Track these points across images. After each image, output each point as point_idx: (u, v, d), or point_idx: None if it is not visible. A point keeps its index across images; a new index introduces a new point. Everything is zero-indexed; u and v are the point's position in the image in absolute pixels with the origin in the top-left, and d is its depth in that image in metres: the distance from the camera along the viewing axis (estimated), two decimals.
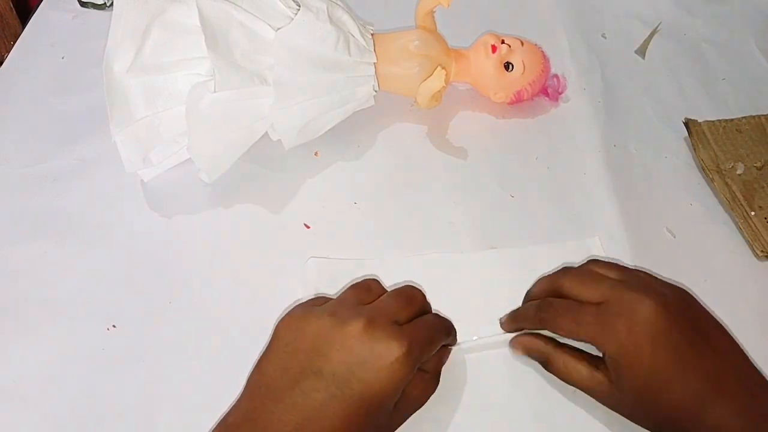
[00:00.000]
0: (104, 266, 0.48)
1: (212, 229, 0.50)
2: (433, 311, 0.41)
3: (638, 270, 0.41)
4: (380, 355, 0.35)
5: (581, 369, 0.39)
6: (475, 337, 0.44)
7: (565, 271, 0.42)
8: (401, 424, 0.39)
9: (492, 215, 0.51)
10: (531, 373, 0.43)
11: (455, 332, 0.42)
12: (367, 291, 0.39)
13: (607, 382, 0.38)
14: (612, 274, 0.40)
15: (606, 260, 0.42)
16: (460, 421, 0.41)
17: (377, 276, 0.43)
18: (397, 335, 0.35)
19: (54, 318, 0.45)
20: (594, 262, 0.42)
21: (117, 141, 0.49)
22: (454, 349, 0.43)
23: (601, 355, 0.38)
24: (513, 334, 0.43)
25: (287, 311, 0.38)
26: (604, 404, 0.39)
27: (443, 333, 0.40)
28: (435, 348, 0.39)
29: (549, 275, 0.43)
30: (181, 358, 0.43)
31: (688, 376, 0.36)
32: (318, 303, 0.39)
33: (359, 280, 0.41)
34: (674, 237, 0.51)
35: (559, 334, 0.40)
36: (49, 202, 0.51)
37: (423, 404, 0.40)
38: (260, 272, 0.47)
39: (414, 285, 0.41)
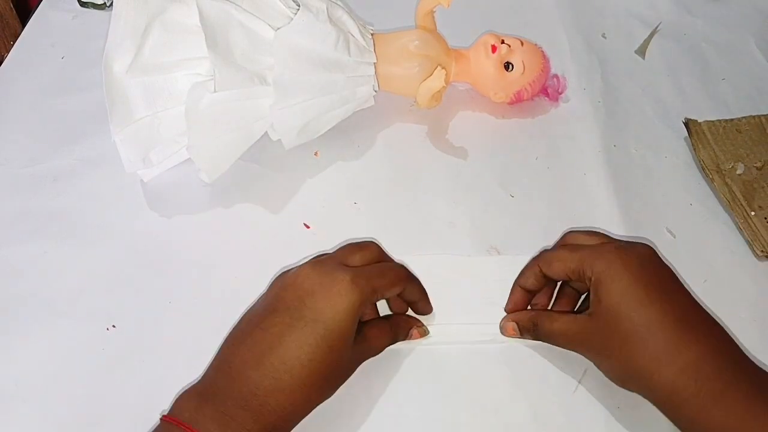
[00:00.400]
0: (104, 266, 0.48)
1: (212, 229, 0.50)
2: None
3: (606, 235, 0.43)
4: (327, 284, 0.38)
5: (565, 318, 0.41)
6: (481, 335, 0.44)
7: (541, 255, 0.43)
8: (356, 366, 0.40)
9: (492, 215, 0.51)
10: (531, 373, 0.43)
11: (425, 294, 0.44)
12: (357, 250, 0.42)
13: (588, 321, 0.39)
14: (586, 240, 0.42)
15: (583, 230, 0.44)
16: (460, 421, 0.41)
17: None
18: (343, 268, 0.39)
19: (54, 318, 0.45)
20: (565, 237, 0.44)
21: (117, 141, 0.49)
22: (454, 346, 0.43)
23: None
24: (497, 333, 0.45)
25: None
26: (585, 354, 0.41)
27: (401, 274, 0.42)
28: (390, 285, 0.41)
29: (527, 265, 0.44)
30: (181, 358, 0.43)
31: (661, 316, 0.37)
32: None
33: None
34: (674, 237, 0.51)
35: (552, 273, 0.42)
36: (49, 202, 0.51)
37: (377, 353, 0.42)
38: (260, 272, 0.47)
39: (375, 240, 0.44)
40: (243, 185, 0.52)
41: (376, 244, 0.43)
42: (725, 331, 0.38)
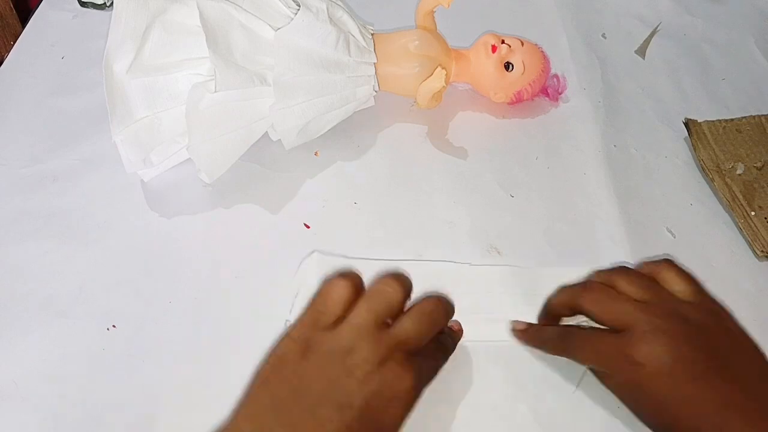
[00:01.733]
0: (104, 266, 0.48)
1: (212, 229, 0.50)
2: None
3: (665, 290, 0.40)
4: (393, 387, 0.35)
5: (598, 338, 0.39)
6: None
7: (587, 287, 0.41)
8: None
9: (492, 215, 0.51)
10: (531, 373, 0.43)
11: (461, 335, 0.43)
12: (385, 304, 0.37)
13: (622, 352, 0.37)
14: (636, 293, 0.39)
15: (635, 268, 0.41)
16: (460, 421, 0.41)
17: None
18: (412, 368, 0.36)
19: (54, 318, 0.45)
20: (620, 272, 0.41)
21: (117, 141, 0.49)
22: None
23: None
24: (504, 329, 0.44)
25: (291, 327, 0.37)
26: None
27: (452, 349, 0.41)
28: (441, 366, 0.40)
29: (571, 287, 0.42)
30: (181, 358, 0.43)
31: (698, 409, 0.35)
32: (326, 322, 0.37)
33: (375, 283, 0.38)
34: (674, 237, 0.51)
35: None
36: (49, 202, 0.51)
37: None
38: (260, 272, 0.47)
39: (438, 296, 0.39)
40: (243, 185, 0.52)
41: (443, 310, 0.39)
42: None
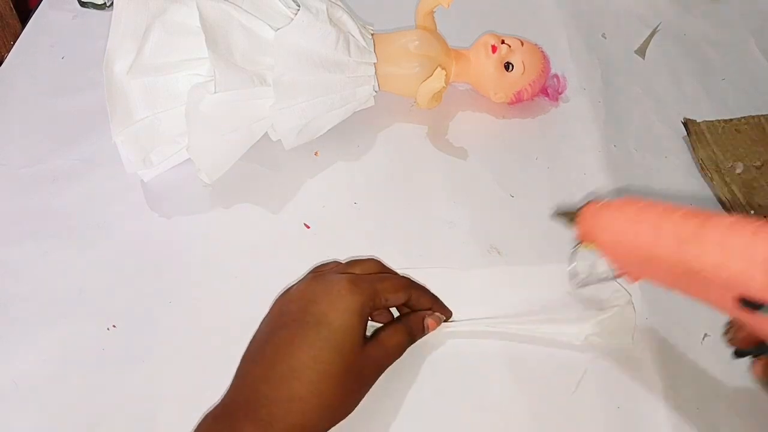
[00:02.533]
0: (104, 266, 0.48)
1: (212, 229, 0.50)
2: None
3: None
4: (327, 289, 0.38)
5: None
6: (463, 319, 0.44)
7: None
8: (379, 374, 0.40)
9: (492, 215, 0.51)
10: (531, 373, 0.43)
11: (428, 291, 0.44)
12: (356, 264, 0.43)
13: None
14: None
15: None
16: (461, 421, 0.41)
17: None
18: (343, 274, 0.40)
19: (54, 318, 0.45)
20: None
21: (117, 142, 0.49)
22: (452, 331, 0.44)
23: None
24: (506, 323, 0.44)
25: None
26: None
27: (399, 279, 0.42)
28: (390, 286, 0.40)
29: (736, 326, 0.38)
30: (181, 358, 0.43)
31: None
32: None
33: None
34: None
35: None
36: (49, 202, 0.51)
37: (397, 357, 0.41)
38: (260, 272, 0.47)
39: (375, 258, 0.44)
40: (243, 185, 0.52)
41: (376, 259, 0.44)
42: None
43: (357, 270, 0.42)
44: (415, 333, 0.42)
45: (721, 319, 0.44)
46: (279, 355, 0.36)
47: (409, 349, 0.42)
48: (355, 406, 0.38)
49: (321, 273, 0.41)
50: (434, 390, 0.42)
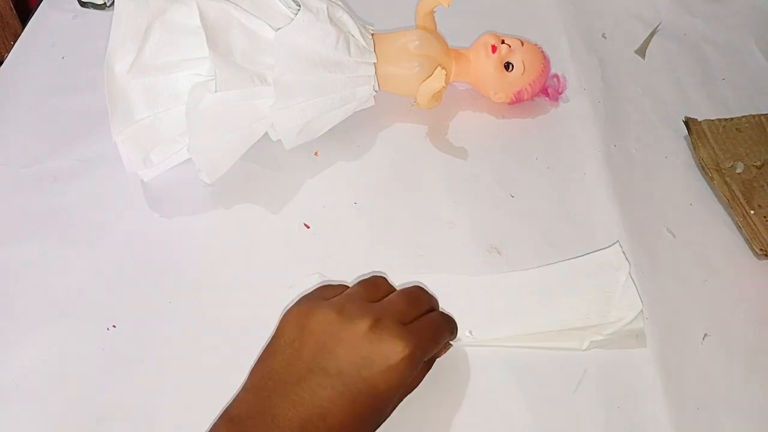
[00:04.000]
0: (104, 266, 0.48)
1: (212, 229, 0.50)
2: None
3: None
4: (386, 355, 0.35)
5: None
6: (467, 332, 0.44)
7: None
8: (394, 408, 0.39)
9: (492, 215, 0.51)
10: (531, 373, 0.43)
11: (457, 329, 0.42)
12: (375, 288, 0.40)
13: None
14: None
15: None
16: (461, 422, 0.41)
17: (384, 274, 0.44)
18: (403, 335, 0.36)
19: (54, 318, 0.45)
20: None
21: (117, 141, 0.49)
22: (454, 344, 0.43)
23: None
24: (511, 335, 0.44)
25: (294, 303, 0.39)
26: None
27: (447, 331, 0.41)
28: (439, 346, 0.40)
29: None
30: (181, 358, 0.43)
31: None
32: (325, 295, 0.39)
33: (367, 277, 0.41)
34: (674, 237, 0.51)
35: None
36: (49, 202, 0.51)
37: (414, 389, 0.41)
38: (260, 272, 0.47)
39: (420, 286, 0.41)
40: (243, 185, 0.52)
41: (428, 293, 0.41)
42: None
43: (410, 315, 0.38)
44: (431, 362, 0.42)
45: (721, 319, 0.44)
46: (319, 409, 0.34)
47: None
48: None
49: (378, 323, 0.36)
50: (434, 390, 0.42)
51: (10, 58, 0.63)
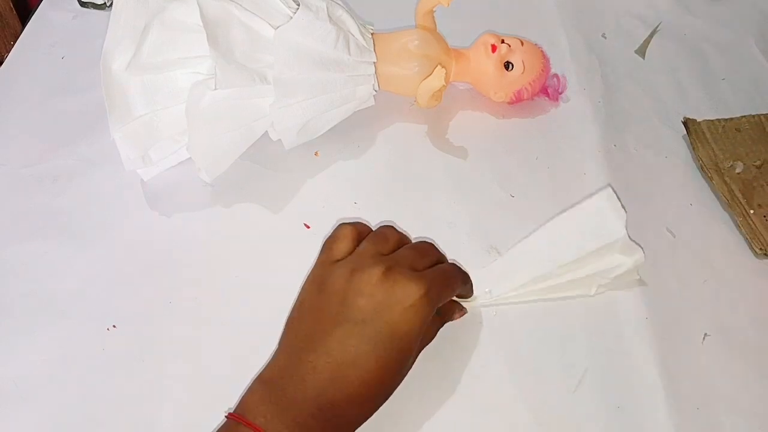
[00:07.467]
0: (104, 266, 0.48)
1: (212, 228, 0.50)
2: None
3: None
4: (402, 298, 0.37)
5: None
6: (487, 290, 0.46)
7: None
8: (417, 355, 0.41)
9: (492, 215, 0.51)
10: (531, 373, 0.43)
11: (471, 283, 0.44)
12: (384, 241, 0.41)
13: None
14: None
15: None
16: (461, 421, 0.41)
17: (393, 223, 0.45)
18: (415, 278, 0.38)
19: (54, 318, 0.45)
20: None
21: (116, 138, 0.49)
22: (472, 305, 0.45)
23: None
24: (528, 290, 0.46)
25: (310, 272, 0.41)
26: None
27: (459, 279, 0.42)
28: (453, 292, 0.41)
29: None
30: (181, 358, 0.43)
31: None
32: (336, 256, 0.41)
33: (376, 229, 0.42)
34: (674, 237, 0.51)
35: None
36: (49, 202, 0.51)
37: (430, 341, 0.42)
38: (260, 272, 0.47)
39: (429, 240, 0.44)
40: (243, 185, 0.52)
41: (436, 247, 0.43)
42: None
43: (420, 263, 0.40)
44: (446, 318, 0.44)
45: (721, 319, 0.44)
46: (348, 358, 0.36)
47: None
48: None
49: (390, 270, 0.38)
50: (434, 390, 0.42)
51: (10, 58, 0.63)
